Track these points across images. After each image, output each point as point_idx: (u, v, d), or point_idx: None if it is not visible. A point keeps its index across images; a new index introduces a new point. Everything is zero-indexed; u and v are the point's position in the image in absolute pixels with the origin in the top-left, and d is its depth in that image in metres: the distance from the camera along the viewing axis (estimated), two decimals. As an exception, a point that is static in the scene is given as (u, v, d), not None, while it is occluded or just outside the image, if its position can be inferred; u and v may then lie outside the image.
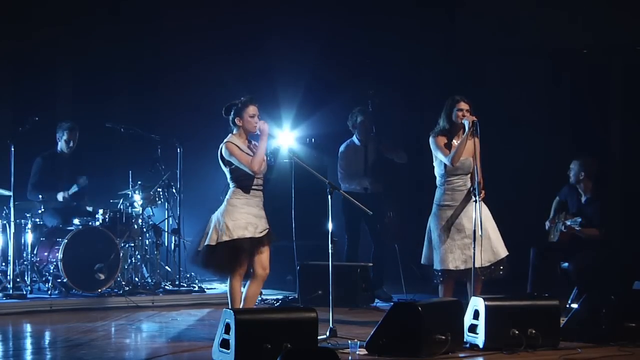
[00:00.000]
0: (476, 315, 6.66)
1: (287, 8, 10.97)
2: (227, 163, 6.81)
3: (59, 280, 9.05)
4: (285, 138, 9.88)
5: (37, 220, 9.37)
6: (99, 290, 9.05)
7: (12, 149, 8.82)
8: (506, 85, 10.39)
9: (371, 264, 9.43)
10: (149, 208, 9.84)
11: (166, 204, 9.93)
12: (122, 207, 9.59)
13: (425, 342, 6.24)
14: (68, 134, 9.69)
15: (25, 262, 9.18)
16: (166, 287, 9.57)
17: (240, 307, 6.82)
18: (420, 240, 7.63)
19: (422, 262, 7.61)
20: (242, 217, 6.77)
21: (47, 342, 7.32)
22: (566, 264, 8.55)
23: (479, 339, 6.60)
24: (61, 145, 9.74)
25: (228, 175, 6.87)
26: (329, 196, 6.95)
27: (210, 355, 6.17)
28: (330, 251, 6.92)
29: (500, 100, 10.18)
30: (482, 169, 7.32)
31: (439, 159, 7.42)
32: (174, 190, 9.84)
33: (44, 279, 9.14)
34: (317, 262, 9.00)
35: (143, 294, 9.29)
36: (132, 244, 9.56)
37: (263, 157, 6.79)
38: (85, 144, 9.95)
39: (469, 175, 7.40)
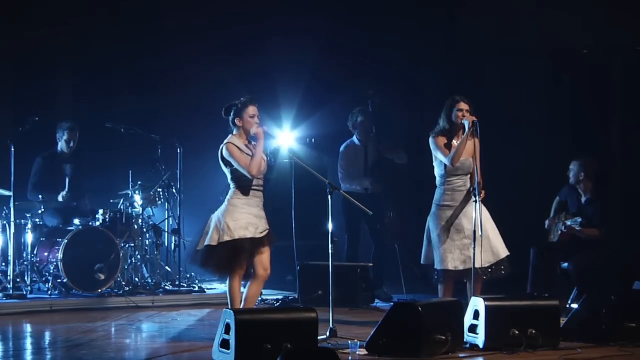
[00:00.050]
0: (476, 315, 6.66)
1: (287, 8, 10.97)
2: (227, 164, 6.82)
3: (59, 280, 9.05)
4: (285, 138, 9.88)
5: (37, 220, 9.37)
6: (99, 290, 9.06)
7: (12, 149, 8.82)
8: (506, 85, 10.39)
9: (371, 264, 9.44)
10: (149, 208, 9.84)
11: (166, 204, 9.93)
12: (122, 207, 9.59)
13: (425, 342, 6.24)
14: (68, 134, 9.69)
15: (25, 262, 9.18)
16: (166, 287, 9.57)
17: (241, 307, 6.82)
18: (420, 241, 7.64)
19: (421, 261, 7.60)
20: (243, 217, 6.77)
21: (47, 342, 7.32)
22: (566, 264, 8.55)
23: (479, 339, 6.60)
24: (61, 145, 9.74)
25: (228, 176, 6.88)
26: (329, 196, 6.95)
27: (210, 355, 6.17)
28: (330, 251, 6.92)
29: (500, 100, 10.17)
30: (481, 169, 7.32)
31: (439, 159, 7.42)
32: (174, 190, 9.84)
33: (44, 279, 9.14)
34: (317, 262, 9.00)
35: (143, 294, 9.29)
36: (132, 244, 9.56)
37: (260, 162, 6.79)
38: (85, 144, 9.95)
39: (469, 176, 7.40)
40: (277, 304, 9.29)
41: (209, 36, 10.97)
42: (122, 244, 9.38)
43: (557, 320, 6.83)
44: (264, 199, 6.94)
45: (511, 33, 10.34)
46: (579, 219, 8.50)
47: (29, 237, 9.21)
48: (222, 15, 10.99)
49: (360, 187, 9.59)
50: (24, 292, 8.97)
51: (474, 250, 7.08)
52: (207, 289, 9.89)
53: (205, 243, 6.76)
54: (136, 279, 9.54)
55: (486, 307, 6.59)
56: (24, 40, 10.41)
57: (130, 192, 9.69)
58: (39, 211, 9.40)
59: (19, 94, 10.59)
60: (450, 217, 7.36)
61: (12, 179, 8.85)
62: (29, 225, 9.22)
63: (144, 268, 9.77)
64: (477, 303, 6.68)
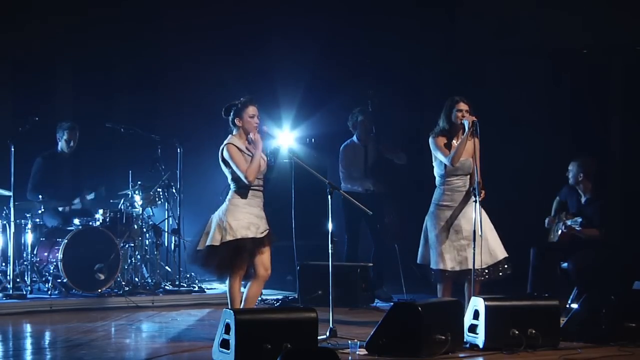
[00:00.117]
0: (476, 315, 6.66)
1: (287, 8, 10.97)
2: (227, 165, 6.81)
3: (59, 280, 9.05)
4: (285, 138, 9.88)
5: (37, 220, 9.37)
6: (99, 290, 9.06)
7: (12, 149, 8.82)
8: (506, 85, 10.38)
9: (371, 264, 9.44)
10: (149, 208, 9.84)
11: (166, 204, 9.93)
12: (122, 207, 9.59)
13: (425, 342, 6.24)
14: (68, 134, 9.70)
15: (25, 262, 9.18)
16: (166, 287, 9.58)
17: (241, 307, 6.82)
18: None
19: (417, 261, 7.59)
20: (244, 217, 6.77)
21: (47, 342, 7.32)
22: (566, 264, 8.55)
23: (479, 339, 6.60)
24: (61, 145, 9.75)
25: (229, 177, 6.88)
26: (329, 196, 6.96)
27: (210, 355, 6.17)
28: (330, 251, 6.92)
29: (500, 100, 10.17)
30: (481, 169, 7.31)
31: (439, 160, 7.42)
32: (174, 190, 9.85)
33: (44, 279, 9.14)
34: (317, 262, 9.01)
35: (143, 294, 9.29)
36: (132, 244, 9.56)
37: (258, 168, 6.80)
38: (85, 144, 9.95)
39: (469, 176, 7.39)
40: (277, 304, 9.29)
41: (209, 36, 10.97)
42: (122, 244, 9.38)
43: (557, 320, 6.83)
44: (264, 198, 6.95)
45: (511, 33, 10.34)
46: (579, 219, 8.50)
47: (29, 237, 9.21)
48: (222, 15, 10.98)
49: (362, 188, 9.59)
50: (24, 292, 8.97)
51: (474, 250, 7.08)
52: (207, 289, 9.90)
53: (208, 243, 6.75)
54: (136, 279, 9.54)
55: (486, 307, 6.59)
56: (24, 40, 10.41)
57: (130, 192, 9.69)
58: (39, 211, 9.40)
59: (19, 94, 10.59)
60: (449, 217, 7.35)
61: (12, 179, 8.86)
62: (29, 226, 9.22)
63: (144, 268, 9.77)
64: (477, 303, 6.68)
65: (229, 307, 6.78)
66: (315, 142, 10.61)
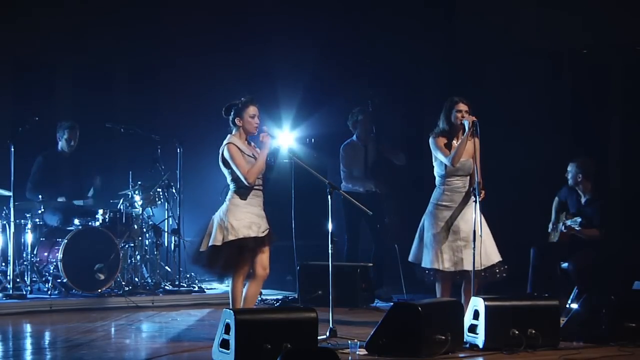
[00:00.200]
0: (476, 315, 6.66)
1: (287, 8, 10.97)
2: (227, 165, 6.80)
3: (59, 280, 9.05)
4: (285, 138, 9.88)
5: (37, 220, 9.37)
6: (99, 290, 9.06)
7: (12, 149, 8.83)
8: (506, 85, 10.38)
9: (371, 264, 9.43)
10: (149, 208, 9.84)
11: (166, 204, 9.93)
12: (122, 207, 9.59)
13: (425, 342, 6.24)
14: (69, 133, 9.70)
15: (25, 262, 9.18)
16: (166, 287, 9.57)
17: (240, 307, 6.82)
18: (421, 241, 7.62)
19: (409, 259, 7.59)
20: (245, 216, 6.77)
21: (47, 342, 7.32)
22: (566, 264, 8.55)
23: (479, 339, 6.60)
24: (62, 144, 9.75)
25: (228, 177, 6.86)
26: (329, 196, 6.96)
27: (210, 355, 6.17)
28: (330, 251, 6.92)
29: (500, 100, 10.17)
30: (482, 169, 7.31)
31: (439, 160, 7.41)
32: (174, 190, 9.84)
33: (44, 279, 9.14)
34: (317, 262, 9.00)
35: (143, 294, 9.29)
36: (132, 244, 9.56)
37: (260, 170, 6.79)
38: (85, 144, 9.95)
39: (469, 177, 7.38)
40: (277, 304, 9.29)
41: (208, 36, 10.98)
42: (122, 244, 9.38)
43: (557, 320, 6.83)
44: (263, 198, 6.94)
45: (511, 33, 10.34)
46: (579, 219, 8.50)
47: (29, 237, 9.21)
48: (222, 15, 10.99)
49: (363, 187, 9.60)
50: (24, 292, 8.98)
51: (474, 251, 7.07)
52: (207, 289, 9.90)
53: (210, 244, 6.75)
54: (136, 279, 9.54)
55: (486, 307, 6.59)
56: (24, 41, 10.42)
57: (130, 192, 9.69)
58: (39, 211, 9.40)
59: (19, 94, 10.59)
60: (448, 217, 7.33)
61: (12, 179, 8.86)
62: (29, 225, 9.22)
63: (144, 268, 9.77)
64: (477, 303, 6.68)
65: (231, 306, 6.78)
66: (315, 142, 10.61)
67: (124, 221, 9.46)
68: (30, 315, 8.42)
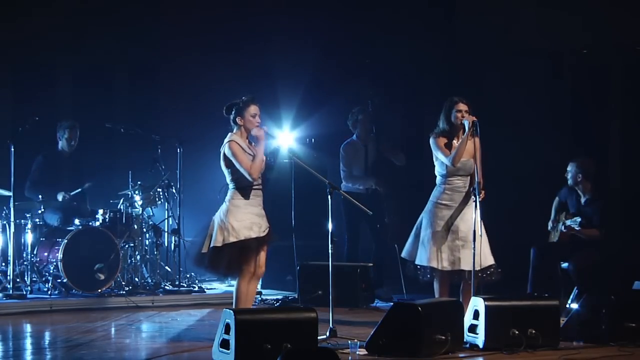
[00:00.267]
0: (476, 315, 6.66)
1: (287, 8, 10.97)
2: (228, 164, 6.79)
3: (59, 280, 9.05)
4: (285, 138, 9.89)
5: (37, 220, 9.37)
6: (99, 290, 9.06)
7: (12, 149, 8.83)
8: (506, 85, 10.38)
9: (371, 264, 9.43)
10: (149, 208, 9.83)
11: (166, 204, 9.93)
12: (122, 207, 9.59)
13: (425, 342, 6.24)
14: (69, 133, 9.71)
15: (25, 262, 9.18)
16: (166, 287, 9.57)
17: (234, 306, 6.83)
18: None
19: (402, 255, 7.58)
20: (246, 217, 6.77)
21: (47, 342, 7.32)
22: (566, 264, 8.55)
23: (479, 339, 6.60)
24: (62, 144, 9.76)
25: (228, 177, 6.85)
26: (329, 196, 6.96)
27: (210, 355, 6.17)
28: (330, 251, 6.92)
29: (500, 100, 10.16)
30: (482, 169, 7.31)
31: (440, 160, 7.41)
32: (174, 190, 9.84)
33: (44, 279, 9.14)
34: (317, 262, 9.00)
35: (143, 294, 9.29)
36: (132, 244, 9.56)
37: (262, 164, 6.79)
38: (85, 144, 9.95)
39: (470, 177, 7.38)
40: (277, 304, 9.29)
41: (209, 36, 10.97)
42: (122, 244, 9.38)
43: (557, 320, 6.83)
44: (263, 197, 6.94)
45: (511, 33, 10.34)
46: (579, 219, 8.50)
47: (29, 237, 9.21)
48: (223, 15, 10.99)
49: (364, 186, 9.60)
50: (24, 292, 8.98)
51: (474, 251, 7.07)
52: (207, 289, 9.90)
53: (211, 245, 6.74)
54: (136, 279, 9.54)
55: (486, 307, 6.59)
56: (24, 40, 10.41)
57: (130, 192, 9.69)
58: (39, 211, 9.40)
59: (19, 94, 10.59)
60: (447, 216, 7.33)
61: (12, 179, 8.86)
62: (29, 225, 9.22)
63: (144, 268, 9.77)
64: (477, 303, 6.68)
65: (234, 306, 6.78)
66: (315, 142, 10.60)
67: (124, 221, 9.46)
68: (30, 315, 8.42)
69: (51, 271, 9.06)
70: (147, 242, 9.82)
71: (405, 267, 7.63)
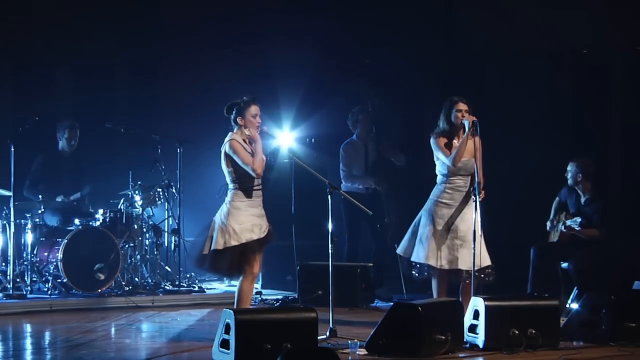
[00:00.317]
0: (476, 315, 6.66)
1: (287, 8, 10.97)
2: (230, 163, 6.78)
3: (59, 280, 9.05)
4: (285, 138, 9.88)
5: (37, 220, 9.37)
6: (99, 290, 9.05)
7: (12, 149, 8.82)
8: (506, 85, 10.38)
9: (371, 264, 9.43)
10: (149, 208, 9.83)
11: (166, 204, 9.93)
12: (122, 207, 9.59)
13: (425, 342, 6.24)
14: (69, 133, 9.71)
15: (25, 262, 9.18)
16: (166, 287, 9.57)
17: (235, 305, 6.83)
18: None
19: (397, 251, 7.58)
20: (247, 219, 6.77)
21: (47, 342, 7.32)
22: (566, 264, 8.55)
23: (479, 339, 6.60)
24: (62, 144, 9.76)
25: (229, 177, 6.85)
26: (329, 196, 6.96)
27: (210, 355, 6.17)
28: (330, 251, 6.92)
29: (500, 100, 10.17)
30: (483, 169, 7.31)
31: (441, 160, 7.41)
32: (174, 190, 9.84)
33: (44, 279, 9.14)
34: (317, 262, 9.00)
35: (143, 294, 9.29)
36: (132, 244, 9.56)
37: (263, 160, 6.79)
38: (85, 144, 9.96)
39: (470, 176, 7.38)
40: (277, 304, 9.29)
41: (209, 36, 10.97)
42: (122, 244, 9.38)
43: (557, 320, 6.83)
44: (263, 197, 6.95)
45: (511, 33, 10.34)
46: (579, 219, 8.50)
47: (29, 237, 9.21)
48: (223, 15, 10.99)
49: (363, 186, 9.60)
50: (24, 292, 8.98)
51: (474, 250, 7.07)
52: (207, 289, 9.90)
53: (212, 248, 6.74)
54: (136, 279, 9.54)
55: (486, 307, 6.59)
56: (24, 40, 10.41)
57: (130, 192, 9.69)
58: (39, 211, 9.40)
59: (19, 94, 10.59)
60: (447, 215, 7.33)
61: (12, 179, 8.86)
62: (29, 225, 9.22)
63: (144, 268, 9.77)
64: (477, 303, 6.68)
65: (235, 306, 6.79)
66: (315, 142, 10.61)
67: (124, 221, 9.46)
68: (30, 315, 8.42)
69: (51, 271, 9.05)
70: (147, 242, 9.82)
71: (399, 263, 7.62)
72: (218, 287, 10.13)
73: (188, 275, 9.94)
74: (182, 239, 9.78)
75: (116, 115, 10.68)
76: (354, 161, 9.70)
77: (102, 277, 9.04)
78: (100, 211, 9.44)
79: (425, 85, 11.07)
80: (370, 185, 9.61)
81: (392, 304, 7.11)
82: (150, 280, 9.64)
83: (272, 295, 9.71)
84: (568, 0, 9.90)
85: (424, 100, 11.01)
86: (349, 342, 6.47)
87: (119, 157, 10.84)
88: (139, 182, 9.66)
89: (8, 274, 8.93)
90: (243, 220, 6.75)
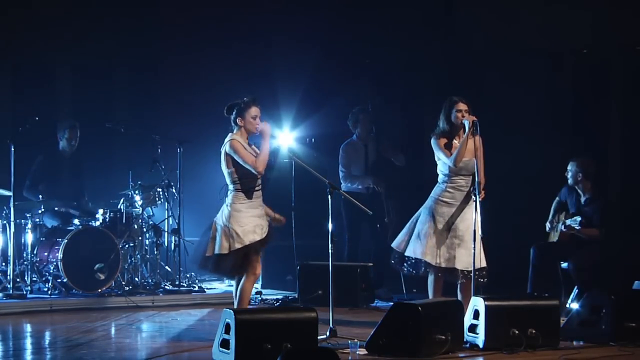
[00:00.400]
0: (476, 315, 6.66)
1: (287, 8, 10.96)
2: (230, 163, 6.77)
3: (59, 280, 9.05)
4: (285, 138, 9.88)
5: (37, 220, 9.37)
6: (99, 290, 9.05)
7: (12, 149, 8.82)
8: (506, 85, 10.38)
9: (371, 264, 9.43)
10: (149, 208, 9.84)
11: (166, 204, 9.93)
12: (122, 207, 9.59)
13: (425, 342, 6.24)
14: (69, 133, 9.71)
15: (25, 262, 9.18)
16: (166, 287, 9.57)
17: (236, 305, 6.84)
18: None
19: (392, 244, 7.57)
20: (249, 221, 6.77)
21: (47, 342, 7.32)
22: (566, 264, 8.55)
23: (479, 338, 6.60)
24: (63, 144, 9.76)
25: (229, 178, 6.84)
26: (329, 196, 6.96)
27: (210, 355, 6.17)
28: (330, 251, 6.92)
29: (500, 100, 10.17)
30: (484, 168, 7.31)
31: (442, 160, 7.41)
32: (174, 190, 9.84)
33: (44, 279, 9.14)
34: (317, 262, 9.00)
35: (143, 294, 9.29)
36: (132, 244, 9.56)
37: (266, 158, 6.79)
38: (85, 144, 9.95)
39: (472, 176, 7.38)
40: (277, 304, 9.29)
41: (209, 36, 10.97)
42: (122, 244, 9.38)
43: (557, 320, 6.83)
44: (263, 197, 6.95)
45: (511, 33, 10.34)
46: (579, 219, 8.50)
47: (29, 237, 9.21)
48: (223, 15, 10.99)
49: (362, 186, 9.61)
50: (24, 292, 8.98)
51: (474, 250, 7.07)
52: (207, 289, 9.90)
53: (216, 252, 6.75)
54: (136, 278, 9.54)
55: (486, 307, 6.59)
56: (24, 40, 10.41)
57: (130, 192, 9.69)
58: (39, 211, 9.40)
59: (19, 94, 10.59)
60: (447, 214, 7.33)
61: (12, 179, 8.86)
62: (29, 225, 9.22)
63: (144, 268, 9.77)
64: (477, 303, 6.68)
65: (235, 306, 6.79)
66: (315, 142, 10.61)
67: (124, 221, 9.46)
68: (30, 315, 8.42)
69: (51, 271, 9.05)
70: (147, 242, 9.82)
71: (391, 256, 7.60)
72: (218, 287, 10.13)
73: (188, 275, 9.94)
74: (182, 239, 9.79)
75: (116, 115, 10.68)
76: (353, 161, 9.71)
77: (102, 277, 9.04)
78: (100, 211, 9.44)
79: (425, 86, 11.07)
80: (369, 185, 9.61)
81: (392, 304, 7.11)
82: (150, 280, 9.64)
83: (272, 295, 9.71)
84: (568, 0, 9.89)
85: (424, 100, 11.00)
86: (349, 342, 6.48)
87: (119, 157, 10.84)
88: (139, 182, 9.66)
89: (8, 273, 8.94)
90: (245, 222, 6.76)
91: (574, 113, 10.31)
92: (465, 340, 6.68)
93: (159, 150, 9.95)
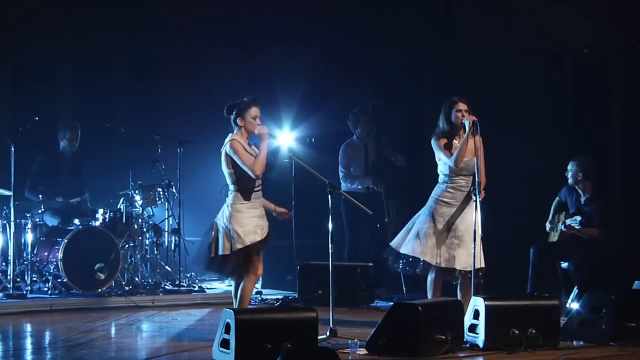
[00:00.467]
0: (476, 315, 6.66)
1: (287, 9, 10.97)
2: (230, 164, 6.78)
3: (59, 280, 9.05)
4: (285, 138, 9.88)
5: (37, 220, 9.38)
6: (99, 290, 9.06)
7: (12, 149, 8.83)
8: (506, 85, 10.38)
9: (371, 264, 9.43)
10: (149, 208, 9.84)
11: (166, 203, 9.93)
12: (122, 207, 9.59)
13: (425, 342, 6.24)
14: (70, 133, 9.72)
15: (25, 262, 9.18)
16: (166, 287, 9.58)
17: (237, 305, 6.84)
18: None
19: (391, 243, 7.57)
20: (250, 221, 6.78)
21: (47, 342, 7.32)
22: (566, 264, 8.55)
23: (479, 338, 6.60)
24: (63, 144, 9.76)
25: (229, 178, 6.85)
26: (329, 196, 6.96)
27: (210, 355, 6.17)
28: (330, 251, 6.92)
29: (500, 100, 10.17)
30: (485, 168, 7.30)
31: (443, 160, 7.41)
32: (174, 190, 9.85)
33: (44, 278, 9.14)
34: (317, 262, 9.01)
35: (143, 294, 9.29)
36: (132, 244, 9.56)
37: (264, 161, 6.80)
38: (85, 144, 9.96)
39: (472, 176, 7.37)
40: (277, 304, 9.29)
41: (209, 36, 10.98)
42: (122, 244, 9.38)
43: (557, 320, 6.83)
44: (262, 196, 6.95)
45: (511, 33, 10.34)
46: (579, 218, 8.50)
47: (29, 237, 9.22)
48: (223, 15, 10.99)
49: (362, 186, 9.61)
50: (24, 292, 8.98)
51: (474, 250, 7.08)
52: (207, 288, 9.91)
53: (220, 253, 6.76)
54: (136, 278, 9.54)
55: (486, 307, 6.59)
56: (24, 40, 10.42)
57: (130, 192, 9.69)
58: (39, 211, 9.40)
59: (19, 94, 10.60)
60: (447, 214, 7.33)
61: (12, 179, 8.86)
62: (29, 225, 9.22)
63: (144, 268, 9.77)
64: (477, 303, 6.69)
65: (236, 306, 6.80)
66: (315, 142, 10.60)
67: (124, 221, 9.46)
68: (30, 315, 8.42)
69: (51, 271, 9.05)
70: (147, 242, 9.82)
71: (388, 254, 7.60)
72: (218, 287, 10.13)
73: (188, 275, 9.95)
74: (182, 239, 9.79)
75: (116, 115, 10.68)
76: (353, 162, 9.71)
77: (102, 276, 9.04)
78: (100, 211, 9.44)
79: (425, 86, 11.07)
80: (369, 185, 9.62)
81: (392, 303, 7.11)
82: (150, 280, 9.65)
83: (272, 295, 9.71)
84: (568, 0, 9.89)
85: (423, 100, 11.01)
86: (349, 342, 6.48)
87: (119, 157, 10.84)
88: (139, 182, 9.66)
89: (8, 273, 8.94)
90: (246, 222, 6.76)
91: (574, 113, 10.31)
92: (465, 340, 6.68)
93: (159, 150, 9.95)
